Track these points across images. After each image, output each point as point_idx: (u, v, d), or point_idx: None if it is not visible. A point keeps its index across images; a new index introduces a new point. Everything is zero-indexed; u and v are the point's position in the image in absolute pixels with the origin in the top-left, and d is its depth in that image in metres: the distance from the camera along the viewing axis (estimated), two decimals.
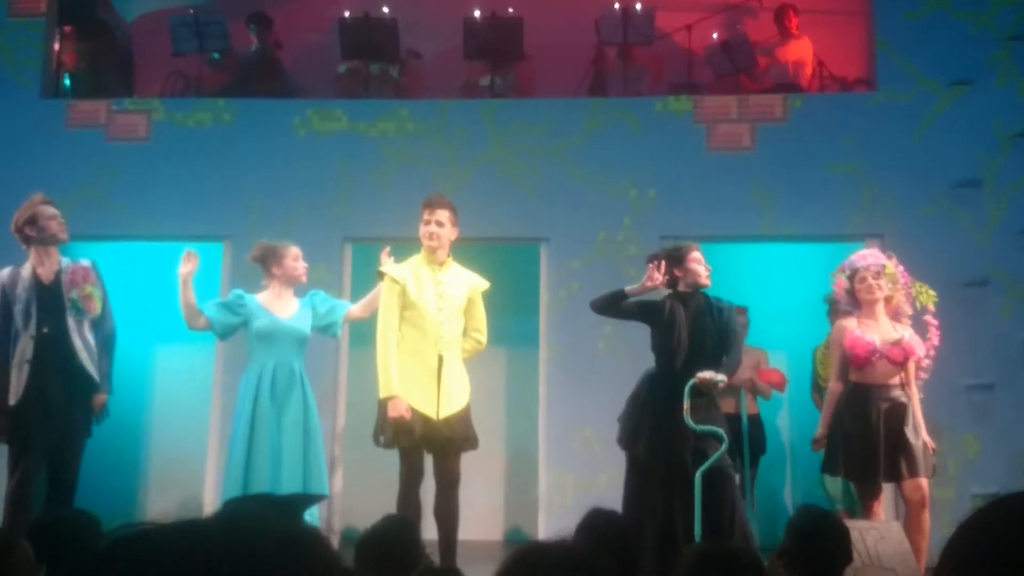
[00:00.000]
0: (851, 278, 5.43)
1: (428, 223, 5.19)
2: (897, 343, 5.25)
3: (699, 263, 5.17)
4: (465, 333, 5.30)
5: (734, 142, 7.17)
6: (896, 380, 5.30)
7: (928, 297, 5.61)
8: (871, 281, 5.34)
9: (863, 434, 5.18)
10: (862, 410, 5.23)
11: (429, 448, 5.12)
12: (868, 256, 5.48)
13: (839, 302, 5.72)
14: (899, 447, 5.15)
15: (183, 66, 7.94)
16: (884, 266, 5.44)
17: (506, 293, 6.73)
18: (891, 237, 6.76)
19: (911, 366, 5.33)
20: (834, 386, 5.43)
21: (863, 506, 5.28)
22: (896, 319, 5.45)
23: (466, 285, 5.29)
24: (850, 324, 5.38)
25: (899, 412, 5.21)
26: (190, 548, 0.74)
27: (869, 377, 5.29)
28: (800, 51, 7.86)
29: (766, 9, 8.10)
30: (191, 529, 0.77)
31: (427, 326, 5.12)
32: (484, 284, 5.38)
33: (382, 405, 5.06)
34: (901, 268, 5.58)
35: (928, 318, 5.60)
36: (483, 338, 5.37)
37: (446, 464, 5.12)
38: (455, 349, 5.21)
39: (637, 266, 6.25)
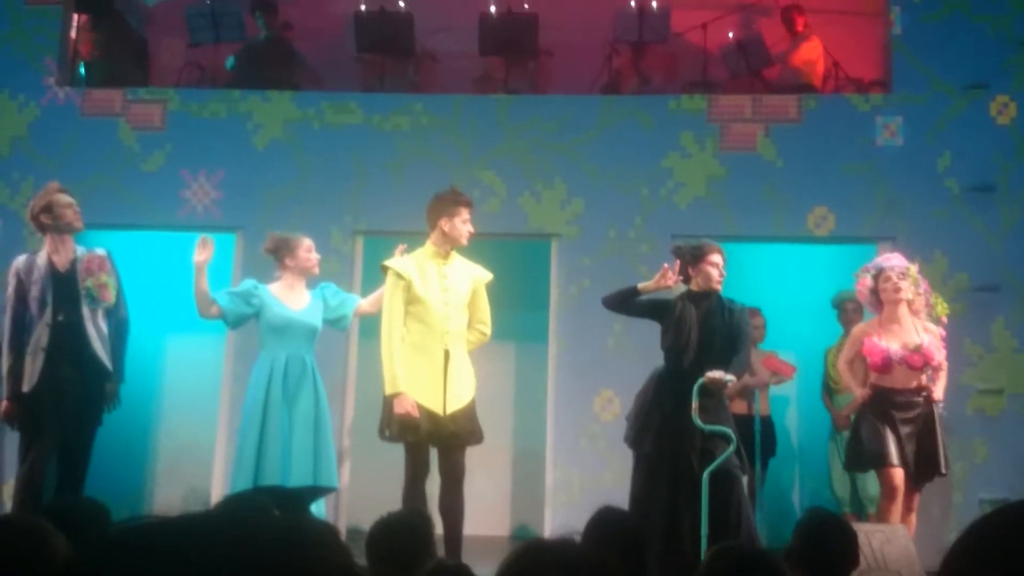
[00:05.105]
0: (876, 277, 5.45)
1: (467, 222, 5.23)
2: (917, 349, 5.28)
3: (714, 267, 5.16)
4: (469, 325, 5.29)
5: (747, 142, 7.15)
6: (917, 384, 5.35)
7: (943, 309, 5.64)
8: (896, 281, 5.36)
9: (893, 431, 5.28)
10: (886, 412, 5.32)
11: (435, 443, 5.12)
12: (892, 258, 5.55)
13: (859, 302, 5.76)
14: (926, 447, 5.29)
15: (199, 56, 7.95)
16: (908, 267, 5.46)
17: (516, 288, 6.74)
18: (903, 240, 6.73)
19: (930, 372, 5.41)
20: (861, 391, 5.49)
21: (906, 505, 5.28)
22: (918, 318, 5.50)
23: (470, 278, 5.29)
24: (868, 329, 5.43)
25: (923, 413, 5.32)
26: (196, 542, 0.75)
27: (889, 382, 5.35)
28: (810, 52, 7.80)
29: (782, 8, 8.06)
30: (197, 523, 0.77)
31: (433, 321, 5.11)
32: (487, 276, 5.38)
33: (388, 400, 5.06)
34: (922, 276, 5.62)
35: (939, 329, 5.62)
36: (487, 330, 5.37)
37: (451, 459, 5.12)
38: (461, 343, 5.21)
39: (648, 264, 6.24)
